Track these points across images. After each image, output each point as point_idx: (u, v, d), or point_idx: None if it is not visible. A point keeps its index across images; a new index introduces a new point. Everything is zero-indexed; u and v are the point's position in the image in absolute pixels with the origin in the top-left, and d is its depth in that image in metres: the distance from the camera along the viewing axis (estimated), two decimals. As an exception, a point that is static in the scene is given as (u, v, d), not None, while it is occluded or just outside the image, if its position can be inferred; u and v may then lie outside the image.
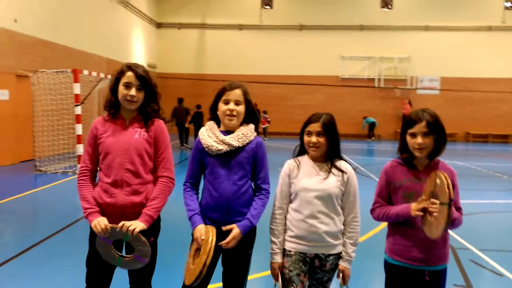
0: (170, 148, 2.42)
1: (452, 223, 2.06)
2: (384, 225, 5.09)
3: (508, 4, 19.87)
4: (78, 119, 8.81)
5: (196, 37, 21.15)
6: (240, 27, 20.79)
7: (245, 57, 20.50)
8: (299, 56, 20.46)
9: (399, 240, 2.17)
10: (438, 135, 2.11)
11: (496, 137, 20.05)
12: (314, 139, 2.23)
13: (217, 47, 20.84)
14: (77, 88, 8.68)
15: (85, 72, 9.20)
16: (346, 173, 2.24)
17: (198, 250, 2.19)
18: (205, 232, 2.18)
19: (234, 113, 2.27)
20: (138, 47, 18.60)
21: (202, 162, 2.35)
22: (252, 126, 2.36)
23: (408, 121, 2.16)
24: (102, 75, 9.83)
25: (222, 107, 2.29)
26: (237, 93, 2.29)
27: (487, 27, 19.84)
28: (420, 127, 2.09)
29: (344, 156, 2.32)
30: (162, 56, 20.94)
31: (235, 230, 2.20)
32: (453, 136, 19.76)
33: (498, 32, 19.82)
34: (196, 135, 2.39)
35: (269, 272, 2.33)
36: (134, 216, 2.25)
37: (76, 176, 2.43)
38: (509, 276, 3.88)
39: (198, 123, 13.94)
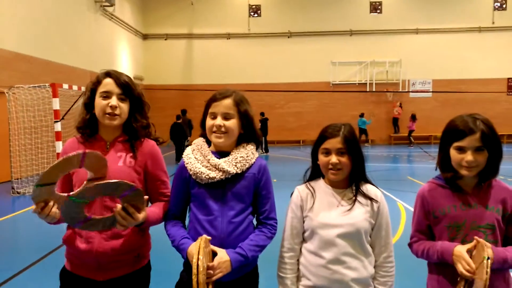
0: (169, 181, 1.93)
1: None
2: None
3: (497, 5, 19.79)
4: (58, 136, 8.25)
5: (183, 47, 20.71)
6: (228, 36, 20.42)
7: (234, 66, 20.10)
8: (289, 63, 20.12)
9: (445, 284, 1.68)
10: (494, 149, 1.62)
11: (491, 138, 19.80)
12: (334, 159, 1.70)
13: (205, 57, 20.42)
14: (56, 103, 8.13)
15: (65, 86, 8.65)
16: (376, 201, 1.73)
17: None
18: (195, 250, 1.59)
19: (223, 129, 1.74)
20: (124, 59, 18.09)
21: (188, 193, 1.81)
22: (252, 146, 1.82)
23: (454, 131, 1.68)
24: (83, 89, 9.27)
25: (207, 122, 1.78)
26: (226, 104, 1.76)
27: (477, 28, 19.71)
28: (472, 140, 1.62)
29: (370, 179, 1.80)
30: (149, 67, 20.45)
31: (223, 254, 1.64)
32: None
33: (488, 33, 19.70)
34: (177, 152, 1.92)
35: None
36: (113, 266, 1.77)
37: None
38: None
39: (178, 136, 13.06)
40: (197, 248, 1.55)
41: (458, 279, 1.61)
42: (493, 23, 19.72)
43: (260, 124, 14.19)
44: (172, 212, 1.86)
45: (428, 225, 1.77)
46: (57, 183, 1.58)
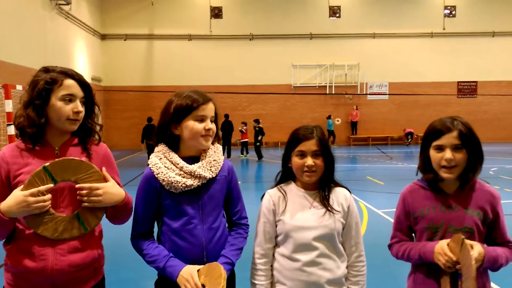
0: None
1: (500, 265, 1.65)
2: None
3: (447, 12, 20.84)
4: (11, 140, 7.84)
5: (143, 48, 20.30)
6: (190, 37, 20.23)
7: (195, 68, 19.93)
8: (251, 65, 20.22)
9: (422, 284, 1.72)
10: (473, 149, 1.64)
11: (443, 139, 20.76)
12: (310, 161, 1.71)
13: (166, 58, 20.12)
14: (9, 106, 7.76)
15: (19, 87, 8.26)
16: (346, 201, 1.78)
17: None
18: (200, 274, 1.58)
19: (210, 132, 1.74)
20: (81, 60, 17.50)
21: (159, 205, 1.73)
22: (219, 147, 1.82)
23: (432, 131, 1.68)
24: (39, 90, 8.87)
25: (195, 125, 1.69)
26: (212, 108, 1.76)
27: (429, 34, 20.66)
28: (450, 138, 1.63)
29: (338, 180, 1.84)
30: (107, 68, 19.89)
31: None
32: (403, 139, 20.42)
33: (439, 38, 20.69)
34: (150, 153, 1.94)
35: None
36: (70, 285, 1.59)
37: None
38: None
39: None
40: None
41: (442, 275, 1.61)
42: (444, 29, 20.75)
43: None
44: (142, 229, 1.75)
45: (408, 225, 1.79)
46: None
